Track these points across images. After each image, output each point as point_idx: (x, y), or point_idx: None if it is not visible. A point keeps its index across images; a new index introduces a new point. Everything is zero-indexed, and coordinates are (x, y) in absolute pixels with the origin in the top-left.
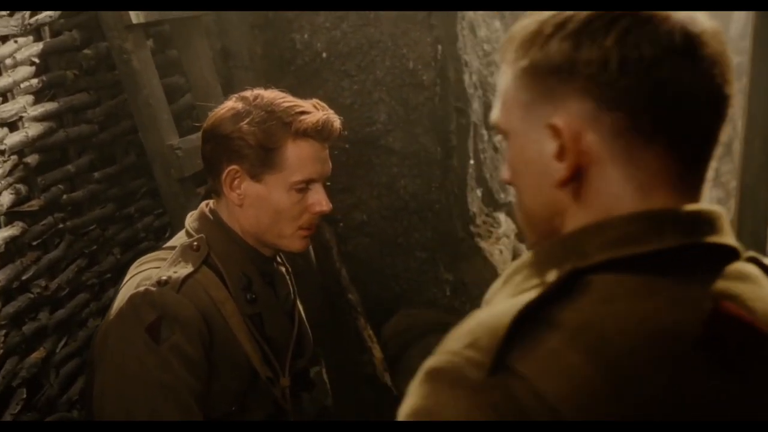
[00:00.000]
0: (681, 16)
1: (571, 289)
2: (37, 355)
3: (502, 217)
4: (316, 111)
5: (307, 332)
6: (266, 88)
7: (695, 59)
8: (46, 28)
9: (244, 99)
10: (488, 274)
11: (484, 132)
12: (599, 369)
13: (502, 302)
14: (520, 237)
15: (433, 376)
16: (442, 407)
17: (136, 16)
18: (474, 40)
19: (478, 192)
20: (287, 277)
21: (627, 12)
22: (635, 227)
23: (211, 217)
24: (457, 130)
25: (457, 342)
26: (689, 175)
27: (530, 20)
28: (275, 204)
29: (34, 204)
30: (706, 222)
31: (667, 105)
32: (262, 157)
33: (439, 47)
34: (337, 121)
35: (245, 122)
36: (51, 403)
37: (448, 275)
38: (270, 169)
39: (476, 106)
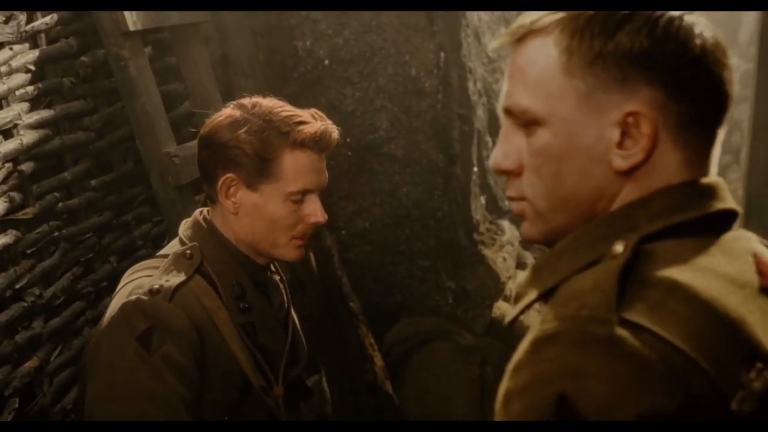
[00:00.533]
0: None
1: (637, 256)
2: (30, 364)
3: (506, 224)
4: (314, 121)
5: (302, 341)
6: (267, 95)
7: (730, 63)
8: (42, 36)
9: (242, 107)
10: (491, 281)
11: (489, 139)
12: (704, 314)
13: (577, 276)
14: (524, 244)
15: (555, 340)
16: (579, 365)
17: (133, 24)
18: (479, 47)
19: (482, 199)
20: (281, 285)
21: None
22: (681, 197)
23: (205, 225)
24: (460, 137)
25: (563, 309)
26: (714, 155)
27: (564, 16)
28: (270, 213)
29: (28, 212)
30: (723, 190)
31: (719, 97)
32: (259, 167)
33: (442, 54)
34: (335, 131)
35: (243, 131)
36: (44, 412)
37: (451, 283)
38: (266, 179)
39: (480, 113)
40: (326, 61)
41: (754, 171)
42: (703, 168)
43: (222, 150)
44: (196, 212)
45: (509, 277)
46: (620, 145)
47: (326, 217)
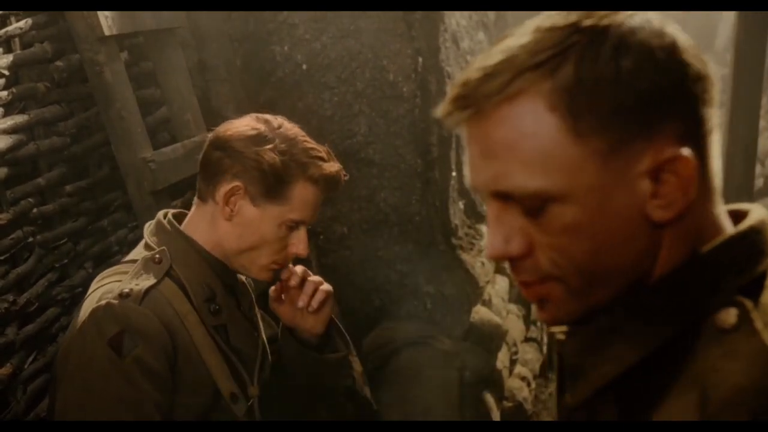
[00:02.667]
0: None
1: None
2: (3, 371)
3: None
4: (332, 162)
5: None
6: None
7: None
8: (17, 40)
9: (267, 123)
10: (470, 286)
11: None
12: None
13: (704, 365)
14: None
15: None
16: None
17: (108, 28)
18: (457, 52)
19: (461, 204)
20: (248, 286)
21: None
22: (751, 242)
23: (170, 227)
24: (438, 141)
25: (731, 417)
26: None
27: (540, 68)
28: (263, 232)
29: (2, 217)
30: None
31: (709, 109)
32: (270, 186)
33: (420, 59)
34: (344, 177)
35: (267, 147)
36: (18, 420)
37: (429, 288)
38: (272, 200)
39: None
40: (304, 66)
41: (731, 176)
42: (715, 188)
43: (238, 158)
44: (159, 215)
45: (488, 282)
46: (655, 194)
47: (308, 251)
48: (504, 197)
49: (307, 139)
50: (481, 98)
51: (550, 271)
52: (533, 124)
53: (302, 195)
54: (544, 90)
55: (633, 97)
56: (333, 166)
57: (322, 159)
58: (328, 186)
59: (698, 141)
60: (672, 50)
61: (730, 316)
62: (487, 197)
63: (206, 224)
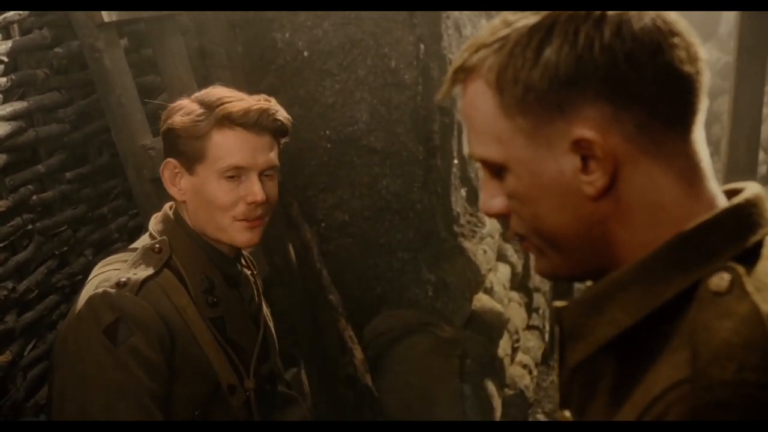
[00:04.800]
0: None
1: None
2: (3, 359)
3: (486, 216)
4: (247, 100)
5: (272, 336)
6: (246, 87)
7: (681, 39)
8: (15, 26)
9: (189, 96)
10: (471, 274)
11: None
12: None
13: (698, 325)
14: (505, 237)
15: (724, 411)
16: None
17: (108, 15)
18: (459, 39)
19: (462, 191)
20: (252, 279)
21: (589, 12)
22: (747, 215)
23: (173, 218)
24: (440, 129)
25: (716, 371)
26: (705, 150)
27: (490, 47)
28: (207, 194)
29: (1, 204)
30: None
31: (677, 83)
32: (193, 148)
33: (422, 46)
34: (275, 112)
35: (179, 114)
36: (17, 407)
37: (430, 275)
38: (199, 160)
39: (461, 104)
40: (305, 53)
41: (734, 163)
42: (700, 168)
43: (164, 136)
44: (166, 206)
45: (489, 270)
46: (585, 169)
47: (263, 196)
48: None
49: (226, 92)
50: (453, 72)
51: (516, 229)
52: (478, 98)
53: (222, 141)
54: (487, 66)
55: (542, 79)
56: (246, 103)
57: (231, 101)
58: (247, 122)
59: (633, 129)
60: (600, 36)
61: (722, 280)
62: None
63: (186, 217)
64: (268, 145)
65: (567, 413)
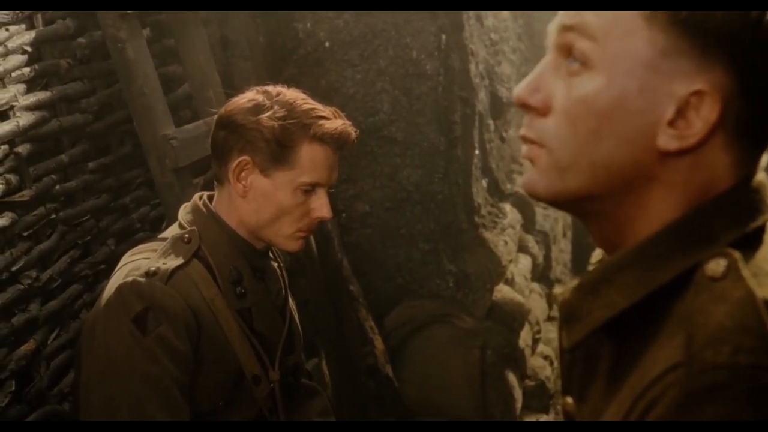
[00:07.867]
0: None
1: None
2: (27, 347)
3: (507, 207)
4: (335, 119)
5: (298, 328)
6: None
7: None
8: (39, 16)
9: (265, 93)
10: (492, 265)
11: (491, 122)
12: None
13: (692, 307)
14: (526, 228)
15: (719, 395)
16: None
17: None
18: (481, 30)
19: (484, 182)
20: (279, 272)
21: None
22: (751, 200)
23: (204, 209)
24: (461, 120)
25: (709, 354)
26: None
27: None
28: (279, 201)
29: (25, 194)
30: None
31: None
32: (276, 153)
33: (443, 36)
34: (353, 132)
35: (265, 115)
36: (41, 395)
37: (451, 266)
38: (281, 166)
39: (482, 95)
40: (327, 43)
41: None
42: (751, 170)
43: (241, 131)
44: (196, 196)
45: (510, 261)
46: (672, 123)
47: (332, 213)
48: (565, 31)
49: (308, 101)
50: None
51: (548, 137)
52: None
53: (310, 156)
54: None
55: (706, 21)
56: (336, 122)
57: (324, 117)
58: (335, 142)
59: (733, 118)
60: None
61: (719, 266)
62: (550, 49)
63: (227, 206)
64: (337, 161)
65: (569, 399)
